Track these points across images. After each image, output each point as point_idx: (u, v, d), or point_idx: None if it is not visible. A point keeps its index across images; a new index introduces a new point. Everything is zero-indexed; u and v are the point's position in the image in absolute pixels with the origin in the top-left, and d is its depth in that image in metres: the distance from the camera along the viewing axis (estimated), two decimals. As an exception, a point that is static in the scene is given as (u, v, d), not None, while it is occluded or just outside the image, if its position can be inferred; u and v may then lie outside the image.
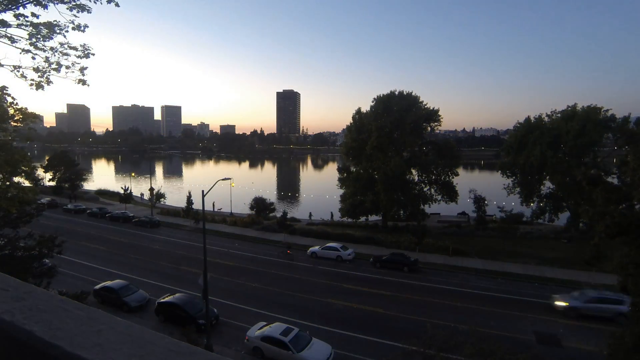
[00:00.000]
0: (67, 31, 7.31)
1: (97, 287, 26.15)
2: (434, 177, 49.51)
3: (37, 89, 7.45)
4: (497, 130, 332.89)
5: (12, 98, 10.08)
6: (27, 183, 15.44)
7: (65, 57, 7.55)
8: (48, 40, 7.31)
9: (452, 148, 51.09)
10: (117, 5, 7.38)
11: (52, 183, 70.17)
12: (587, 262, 30.35)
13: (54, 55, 7.46)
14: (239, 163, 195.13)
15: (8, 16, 6.83)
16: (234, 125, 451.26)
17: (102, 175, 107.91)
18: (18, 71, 7.28)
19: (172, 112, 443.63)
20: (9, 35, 6.94)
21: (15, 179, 13.45)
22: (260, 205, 54.84)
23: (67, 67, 7.61)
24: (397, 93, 49.54)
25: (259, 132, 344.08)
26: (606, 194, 13.36)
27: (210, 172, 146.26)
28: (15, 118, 11.40)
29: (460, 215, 55.48)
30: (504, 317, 24.10)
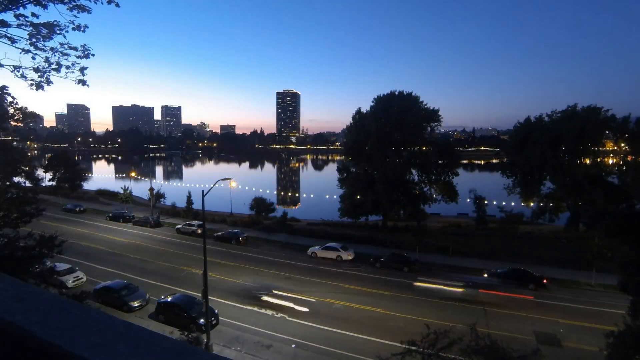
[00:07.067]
0: (67, 31, 7.31)
1: (98, 287, 26.18)
2: (433, 177, 49.42)
3: (37, 89, 7.44)
4: (497, 130, 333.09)
5: (12, 97, 10.07)
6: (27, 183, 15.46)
7: (65, 57, 7.54)
8: (48, 41, 7.31)
9: (452, 148, 51.02)
10: (117, 5, 7.39)
11: (52, 183, 70.25)
12: (587, 262, 30.41)
13: (54, 56, 7.46)
14: (239, 163, 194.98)
15: (8, 16, 6.83)
16: (234, 125, 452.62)
17: (102, 176, 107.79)
18: (18, 71, 7.27)
19: (172, 112, 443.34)
20: (9, 35, 6.93)
21: (16, 179, 13.46)
22: (260, 205, 54.80)
23: (67, 67, 7.60)
24: (397, 93, 49.45)
25: (258, 132, 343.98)
26: (606, 193, 13.37)
27: (211, 172, 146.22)
28: (15, 117, 11.40)
29: (460, 215, 55.39)
30: (504, 317, 24.10)
